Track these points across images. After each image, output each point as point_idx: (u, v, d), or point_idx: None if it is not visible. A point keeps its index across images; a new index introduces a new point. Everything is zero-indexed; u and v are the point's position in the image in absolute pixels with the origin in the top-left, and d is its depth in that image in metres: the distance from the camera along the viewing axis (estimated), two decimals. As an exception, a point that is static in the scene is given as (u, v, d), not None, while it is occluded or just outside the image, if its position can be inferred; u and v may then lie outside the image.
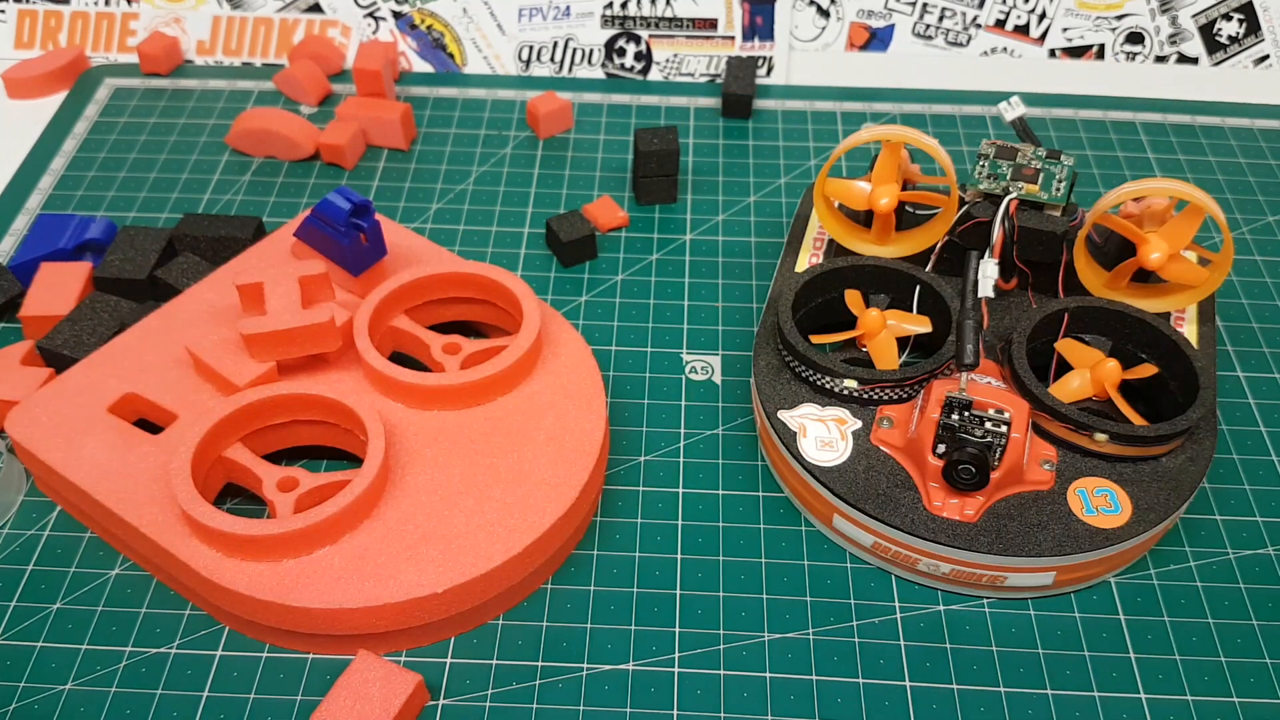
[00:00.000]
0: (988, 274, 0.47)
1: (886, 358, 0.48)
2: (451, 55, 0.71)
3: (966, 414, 0.43)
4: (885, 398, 0.46)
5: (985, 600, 0.44)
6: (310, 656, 0.42)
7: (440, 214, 0.61)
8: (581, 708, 0.41)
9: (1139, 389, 0.48)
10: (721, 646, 0.43)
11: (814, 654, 0.43)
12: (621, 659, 0.42)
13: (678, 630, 0.43)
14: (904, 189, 0.51)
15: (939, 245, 0.50)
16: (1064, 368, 0.48)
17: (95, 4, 0.72)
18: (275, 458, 0.47)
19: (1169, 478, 0.44)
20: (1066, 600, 0.44)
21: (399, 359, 0.49)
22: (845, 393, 0.46)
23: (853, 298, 0.50)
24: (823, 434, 0.45)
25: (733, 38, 0.70)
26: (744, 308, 0.56)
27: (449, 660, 0.42)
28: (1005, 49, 0.72)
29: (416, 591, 0.40)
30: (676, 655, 0.42)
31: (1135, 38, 0.71)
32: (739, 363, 0.53)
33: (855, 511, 0.44)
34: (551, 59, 0.71)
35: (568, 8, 0.70)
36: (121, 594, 0.44)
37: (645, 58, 0.71)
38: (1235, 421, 0.51)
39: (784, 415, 0.46)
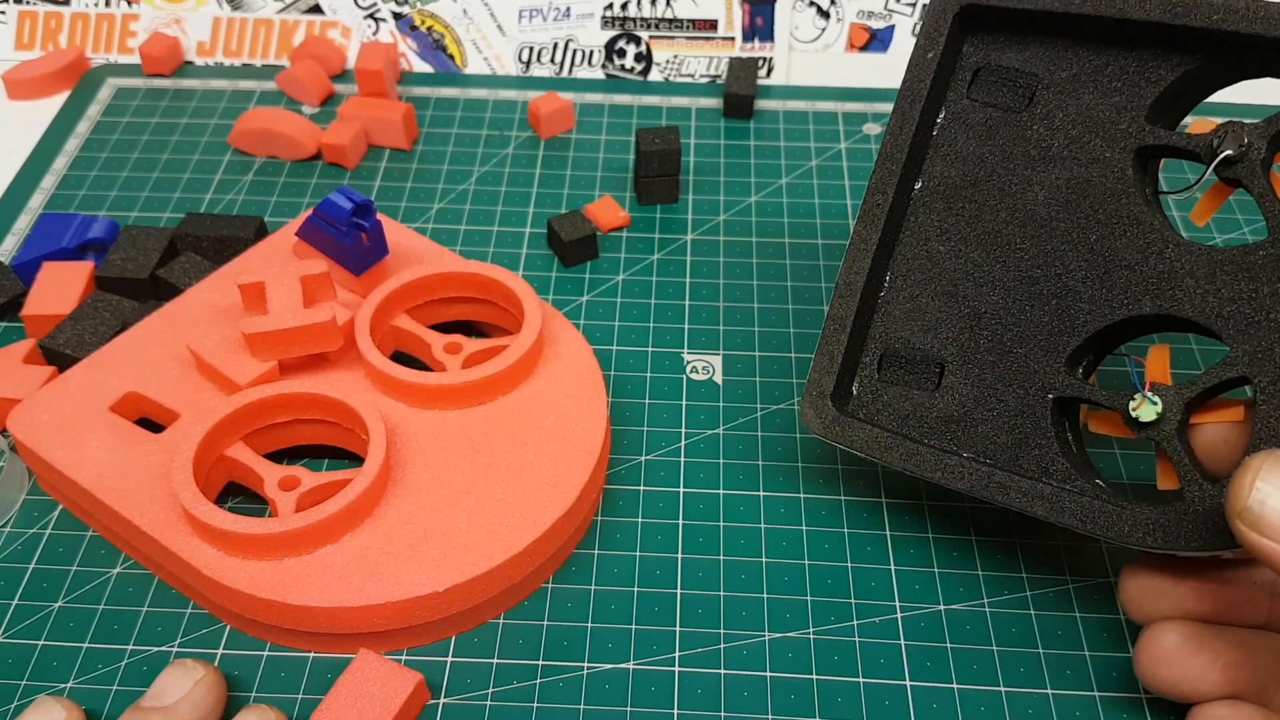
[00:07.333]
0: None
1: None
2: (451, 56, 0.71)
3: None
4: None
5: (985, 600, 0.44)
6: (311, 655, 0.42)
7: (442, 214, 0.61)
8: (582, 707, 0.41)
9: None
10: (722, 646, 0.43)
11: (814, 654, 0.43)
12: (622, 658, 0.42)
13: (678, 629, 0.43)
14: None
15: None
16: None
17: (95, 5, 0.72)
18: (277, 457, 0.47)
19: None
20: (1067, 600, 0.44)
21: (400, 358, 0.49)
22: None
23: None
24: None
25: (733, 39, 0.70)
26: (744, 308, 0.56)
27: (450, 659, 0.42)
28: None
29: (417, 590, 0.40)
30: (677, 654, 0.43)
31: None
32: (739, 362, 0.53)
33: None
34: (552, 60, 0.71)
35: (568, 9, 0.70)
36: (123, 593, 0.44)
37: (645, 59, 0.71)
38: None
39: None
